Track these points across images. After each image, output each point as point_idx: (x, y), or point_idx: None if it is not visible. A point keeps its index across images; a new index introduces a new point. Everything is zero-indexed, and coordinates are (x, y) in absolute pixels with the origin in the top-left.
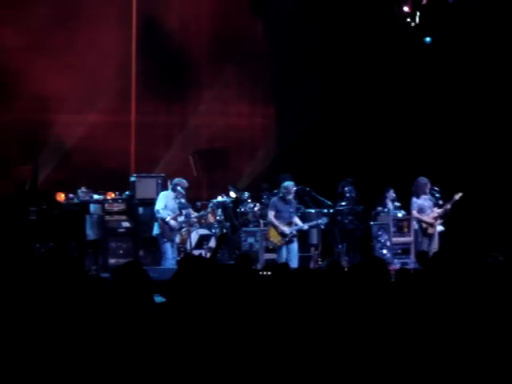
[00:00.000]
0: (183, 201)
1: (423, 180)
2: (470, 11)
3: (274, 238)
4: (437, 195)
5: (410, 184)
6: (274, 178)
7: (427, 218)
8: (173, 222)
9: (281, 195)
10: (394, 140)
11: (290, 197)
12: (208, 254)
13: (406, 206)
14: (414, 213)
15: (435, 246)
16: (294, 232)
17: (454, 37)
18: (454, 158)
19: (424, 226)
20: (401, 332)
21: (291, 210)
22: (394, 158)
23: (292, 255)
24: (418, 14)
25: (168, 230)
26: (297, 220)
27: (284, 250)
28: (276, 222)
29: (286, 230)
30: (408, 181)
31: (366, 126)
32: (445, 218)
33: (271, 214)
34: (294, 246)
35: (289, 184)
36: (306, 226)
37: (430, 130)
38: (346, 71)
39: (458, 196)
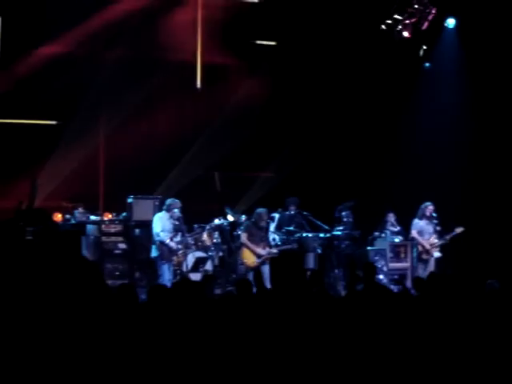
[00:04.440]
0: (177, 223)
1: (429, 205)
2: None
3: (248, 259)
4: (435, 222)
5: (412, 208)
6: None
7: (425, 242)
8: (172, 244)
9: (253, 220)
10: (396, 165)
11: (263, 224)
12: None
13: (407, 230)
14: (414, 232)
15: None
16: (268, 255)
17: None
18: (456, 184)
19: (420, 249)
20: (397, 359)
21: (262, 234)
22: (396, 183)
23: (264, 278)
24: (423, 47)
25: (167, 252)
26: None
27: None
28: (250, 244)
29: (261, 251)
30: (410, 205)
31: (368, 150)
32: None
33: (244, 236)
34: (266, 268)
35: (262, 211)
36: (275, 250)
37: (434, 155)
38: (342, 93)
39: (459, 230)
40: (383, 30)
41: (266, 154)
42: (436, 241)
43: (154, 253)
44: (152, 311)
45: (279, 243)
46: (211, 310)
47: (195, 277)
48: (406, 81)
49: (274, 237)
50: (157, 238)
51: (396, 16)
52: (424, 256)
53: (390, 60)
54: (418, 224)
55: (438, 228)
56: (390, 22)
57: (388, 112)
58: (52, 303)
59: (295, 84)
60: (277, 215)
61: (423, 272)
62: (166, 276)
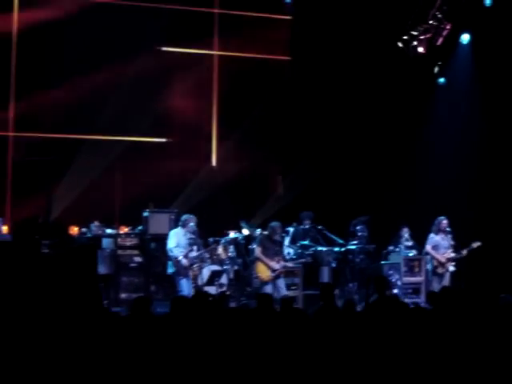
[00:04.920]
0: (193, 236)
1: (443, 219)
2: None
3: (262, 273)
4: (450, 236)
5: (426, 223)
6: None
7: (440, 256)
8: (184, 261)
9: (267, 234)
10: (411, 179)
11: (277, 237)
12: (219, 291)
13: (421, 245)
14: (428, 247)
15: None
16: (283, 269)
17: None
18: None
19: (435, 263)
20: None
21: (277, 248)
22: (411, 197)
23: (281, 292)
24: (439, 64)
25: (182, 268)
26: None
27: (270, 287)
28: (264, 258)
29: (275, 264)
30: (425, 220)
31: (383, 164)
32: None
33: (258, 250)
34: (281, 281)
35: (275, 224)
36: (290, 264)
37: (448, 170)
38: (357, 109)
39: (475, 245)
40: (398, 46)
41: (282, 167)
42: (452, 255)
43: (170, 269)
44: (174, 323)
45: (294, 257)
46: (228, 321)
47: (210, 290)
48: (421, 96)
49: (288, 251)
50: (170, 254)
51: (411, 32)
52: (439, 270)
53: (404, 76)
54: (434, 239)
55: (452, 242)
56: (405, 37)
57: (403, 127)
58: (66, 316)
59: (311, 99)
60: (291, 229)
61: (438, 286)
62: (185, 291)
